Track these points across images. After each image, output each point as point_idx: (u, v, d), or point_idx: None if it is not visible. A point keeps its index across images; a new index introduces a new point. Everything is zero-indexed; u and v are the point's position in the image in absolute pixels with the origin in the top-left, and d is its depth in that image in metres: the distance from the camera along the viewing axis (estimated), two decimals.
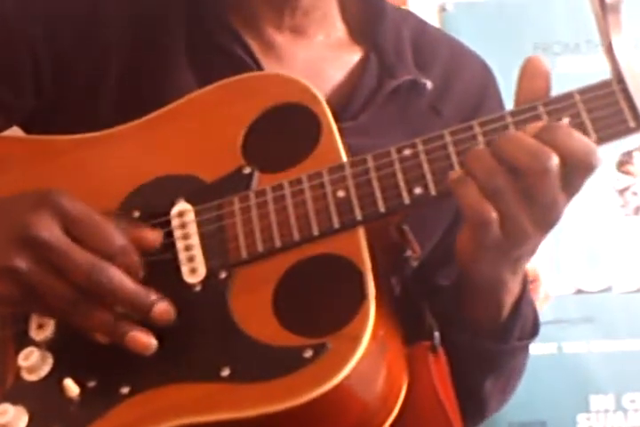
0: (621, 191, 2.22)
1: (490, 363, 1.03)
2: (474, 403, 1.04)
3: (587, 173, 0.86)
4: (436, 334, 0.93)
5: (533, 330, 1.05)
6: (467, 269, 0.94)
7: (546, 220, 0.88)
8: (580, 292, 2.18)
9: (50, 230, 0.85)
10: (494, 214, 0.86)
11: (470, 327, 0.98)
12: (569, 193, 0.87)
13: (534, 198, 0.86)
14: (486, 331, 0.99)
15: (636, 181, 2.22)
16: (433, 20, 2.20)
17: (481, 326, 0.98)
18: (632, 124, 0.87)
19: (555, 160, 0.84)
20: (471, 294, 0.97)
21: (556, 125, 0.86)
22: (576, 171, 0.86)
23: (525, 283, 1.01)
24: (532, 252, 0.93)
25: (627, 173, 2.22)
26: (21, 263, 0.84)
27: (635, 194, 2.21)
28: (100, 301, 0.86)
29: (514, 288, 0.98)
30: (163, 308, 0.87)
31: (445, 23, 2.21)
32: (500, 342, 1.00)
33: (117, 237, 0.87)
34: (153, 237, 0.92)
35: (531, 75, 0.90)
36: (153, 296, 0.87)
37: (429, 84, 1.14)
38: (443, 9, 2.23)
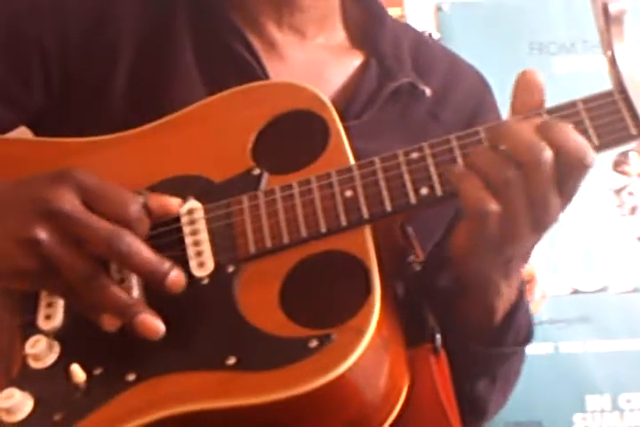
0: (617, 191, 2.22)
1: (481, 366, 1.04)
2: (469, 404, 1.04)
3: (580, 173, 0.87)
4: (438, 335, 0.93)
5: (527, 337, 1.05)
6: (458, 266, 0.95)
7: (540, 220, 0.88)
8: (576, 292, 2.19)
9: (69, 202, 0.87)
10: (495, 207, 0.87)
11: (463, 330, 0.98)
12: (563, 194, 0.88)
13: (530, 194, 0.86)
14: (478, 335, 0.99)
15: (632, 181, 2.22)
16: (429, 19, 2.21)
17: (473, 329, 0.99)
18: (633, 131, 0.89)
19: (548, 154, 0.86)
20: (463, 296, 0.98)
21: (553, 122, 0.88)
22: (569, 169, 0.87)
23: (522, 291, 1.01)
24: (524, 257, 0.94)
25: (623, 173, 2.22)
26: (42, 235, 0.86)
27: (631, 194, 2.22)
28: (113, 282, 0.88)
29: (507, 294, 0.98)
30: (176, 276, 0.88)
31: (441, 23, 2.22)
32: (492, 346, 1.01)
33: (133, 203, 0.89)
34: (174, 202, 0.93)
35: (526, 88, 0.92)
36: (167, 264, 0.88)
37: (428, 91, 1.16)
38: (439, 9, 2.23)
